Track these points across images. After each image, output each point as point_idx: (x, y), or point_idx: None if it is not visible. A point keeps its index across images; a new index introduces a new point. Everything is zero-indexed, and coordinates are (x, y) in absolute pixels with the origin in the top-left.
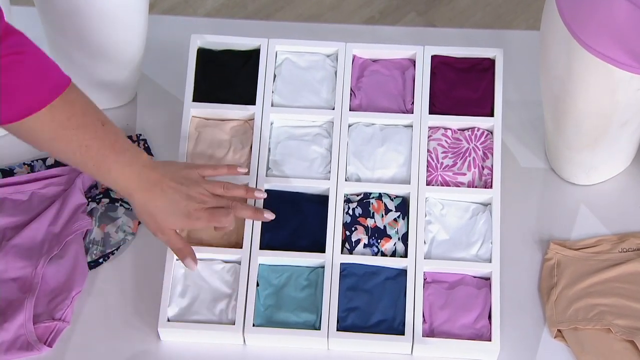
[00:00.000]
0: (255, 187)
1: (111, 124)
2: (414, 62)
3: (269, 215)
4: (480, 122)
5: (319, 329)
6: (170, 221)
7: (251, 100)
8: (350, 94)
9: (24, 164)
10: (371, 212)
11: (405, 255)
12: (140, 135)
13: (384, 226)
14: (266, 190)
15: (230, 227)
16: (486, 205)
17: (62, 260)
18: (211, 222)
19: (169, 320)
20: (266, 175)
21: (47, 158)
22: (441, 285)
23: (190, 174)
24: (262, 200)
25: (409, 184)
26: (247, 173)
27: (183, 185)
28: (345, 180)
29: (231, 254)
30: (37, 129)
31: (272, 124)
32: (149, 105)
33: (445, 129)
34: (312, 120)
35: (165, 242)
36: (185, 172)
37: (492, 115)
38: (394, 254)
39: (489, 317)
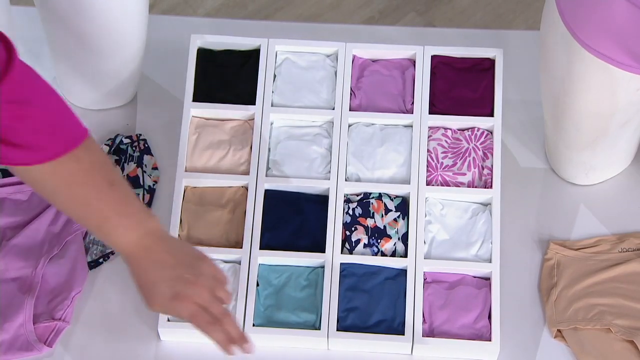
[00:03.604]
0: (244, 337)
1: (121, 184)
2: (414, 62)
3: (249, 348)
4: (480, 122)
5: (319, 329)
6: (155, 298)
7: (251, 100)
8: (350, 94)
9: None
10: (371, 212)
11: (405, 255)
12: (140, 135)
13: (384, 226)
14: (266, 191)
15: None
16: (486, 205)
17: (62, 260)
18: (192, 320)
19: (169, 320)
20: (266, 175)
21: None
22: (441, 285)
23: (199, 262)
24: (262, 200)
25: (409, 184)
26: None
27: (183, 266)
28: (345, 180)
29: (231, 254)
30: (39, 181)
31: (272, 124)
32: (149, 105)
33: (445, 129)
34: (312, 120)
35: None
36: (194, 256)
37: (492, 115)
38: (394, 254)
39: (489, 317)
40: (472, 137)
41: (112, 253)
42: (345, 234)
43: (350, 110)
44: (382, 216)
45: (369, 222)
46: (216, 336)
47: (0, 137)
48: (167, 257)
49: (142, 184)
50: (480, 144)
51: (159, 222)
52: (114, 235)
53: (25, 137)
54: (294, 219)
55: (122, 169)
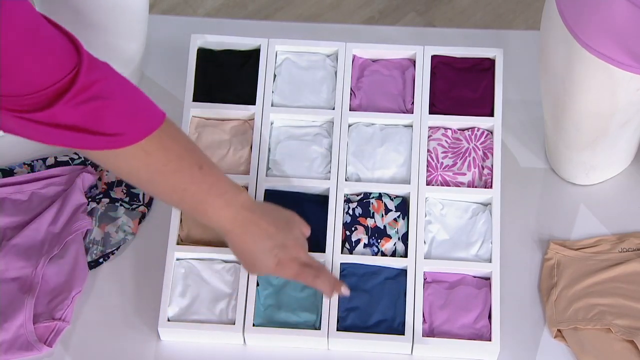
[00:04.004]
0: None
1: (209, 165)
2: (414, 62)
3: (345, 291)
4: (480, 122)
5: (319, 329)
6: (259, 266)
7: (251, 100)
8: (350, 94)
9: (24, 164)
10: (371, 212)
11: (405, 255)
12: None
13: (384, 226)
14: (266, 190)
15: (329, 295)
16: (486, 205)
17: (62, 260)
18: (297, 278)
19: (169, 320)
20: (266, 175)
21: (47, 158)
22: (441, 285)
23: (292, 224)
24: (262, 199)
25: (409, 184)
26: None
27: (280, 232)
28: (345, 180)
29: (231, 254)
30: (134, 172)
31: (272, 124)
32: None
33: (445, 129)
34: (312, 120)
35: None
36: (286, 219)
37: (492, 115)
38: (394, 254)
39: (489, 317)
40: (472, 137)
41: (112, 253)
42: (345, 234)
43: (350, 110)
44: (382, 216)
45: (369, 222)
46: (323, 287)
47: (81, 127)
48: (265, 227)
49: None
50: (480, 144)
51: (247, 193)
52: (210, 216)
53: (106, 125)
54: None
55: None
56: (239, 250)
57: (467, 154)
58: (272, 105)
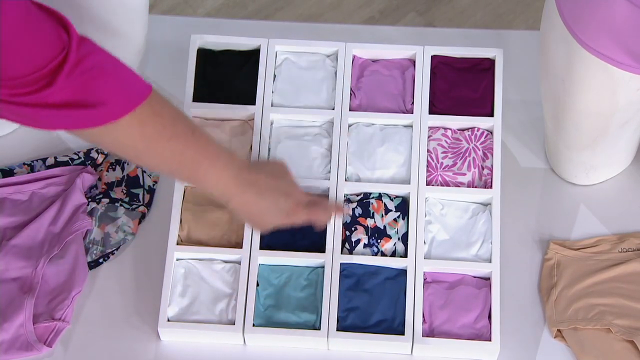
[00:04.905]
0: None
1: (200, 130)
2: (414, 62)
3: (347, 210)
4: (480, 122)
5: (319, 329)
6: (269, 221)
7: (251, 100)
8: (350, 94)
9: (24, 164)
10: (371, 212)
11: (405, 255)
12: None
13: (384, 226)
14: None
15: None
16: (486, 205)
17: (62, 260)
18: (310, 220)
19: (169, 320)
20: None
21: (47, 158)
22: (441, 285)
23: (285, 170)
24: None
25: (409, 184)
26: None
27: (280, 182)
28: (345, 180)
29: (231, 254)
30: (130, 144)
31: (272, 124)
32: None
33: (445, 129)
34: (312, 120)
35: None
36: (278, 169)
37: (492, 115)
38: (394, 254)
39: (489, 317)
40: (472, 137)
41: (112, 253)
42: (345, 234)
43: (350, 110)
44: (382, 216)
45: (369, 222)
46: (327, 219)
47: (79, 102)
48: (264, 182)
49: (142, 184)
50: (480, 144)
51: (237, 155)
52: (210, 179)
53: (101, 96)
54: None
55: (122, 169)
56: (246, 212)
57: (467, 154)
58: (272, 105)
